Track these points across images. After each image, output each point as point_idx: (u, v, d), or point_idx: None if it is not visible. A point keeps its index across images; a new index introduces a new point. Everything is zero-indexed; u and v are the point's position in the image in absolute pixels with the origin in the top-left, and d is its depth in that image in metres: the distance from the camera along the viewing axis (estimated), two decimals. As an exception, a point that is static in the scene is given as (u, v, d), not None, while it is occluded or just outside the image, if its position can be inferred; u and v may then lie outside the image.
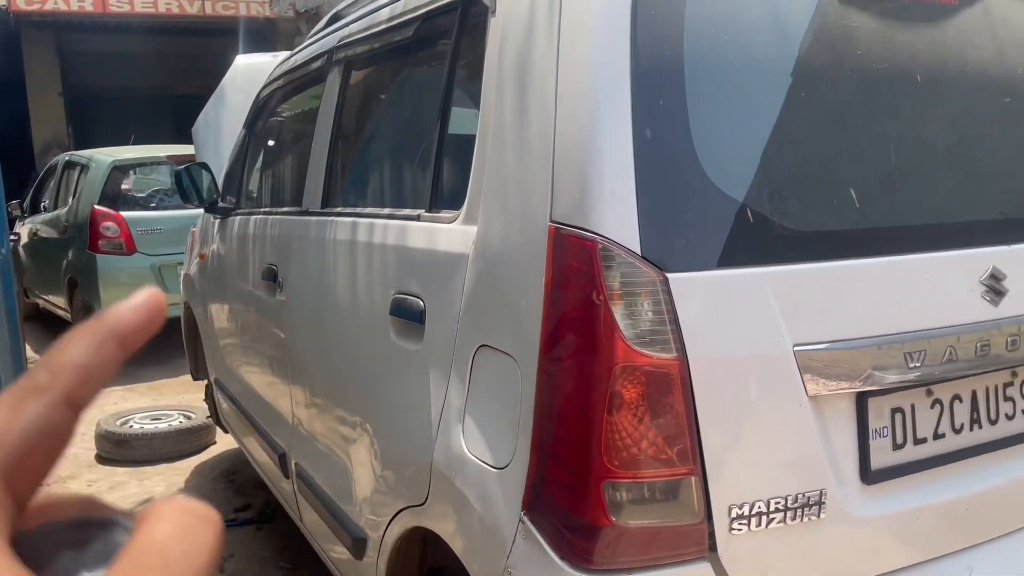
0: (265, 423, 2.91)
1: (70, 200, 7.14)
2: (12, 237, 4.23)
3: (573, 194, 1.35)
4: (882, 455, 1.48)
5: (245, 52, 5.32)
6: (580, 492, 1.32)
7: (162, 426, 4.72)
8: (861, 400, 1.46)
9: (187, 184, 3.33)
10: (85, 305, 6.65)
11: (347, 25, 2.44)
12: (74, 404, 0.33)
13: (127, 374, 6.53)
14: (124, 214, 6.64)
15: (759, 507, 1.36)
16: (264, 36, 12.75)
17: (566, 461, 1.35)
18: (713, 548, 1.35)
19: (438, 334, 1.69)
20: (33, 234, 7.91)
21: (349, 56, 2.34)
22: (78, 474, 4.42)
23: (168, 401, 5.63)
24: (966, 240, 1.56)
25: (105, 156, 7.00)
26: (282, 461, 2.67)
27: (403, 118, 2.19)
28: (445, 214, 1.74)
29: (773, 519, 1.37)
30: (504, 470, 1.45)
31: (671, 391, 1.31)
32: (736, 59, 1.43)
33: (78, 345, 0.34)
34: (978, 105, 1.66)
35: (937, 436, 1.55)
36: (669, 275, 1.31)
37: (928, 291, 1.50)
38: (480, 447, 1.53)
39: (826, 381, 1.40)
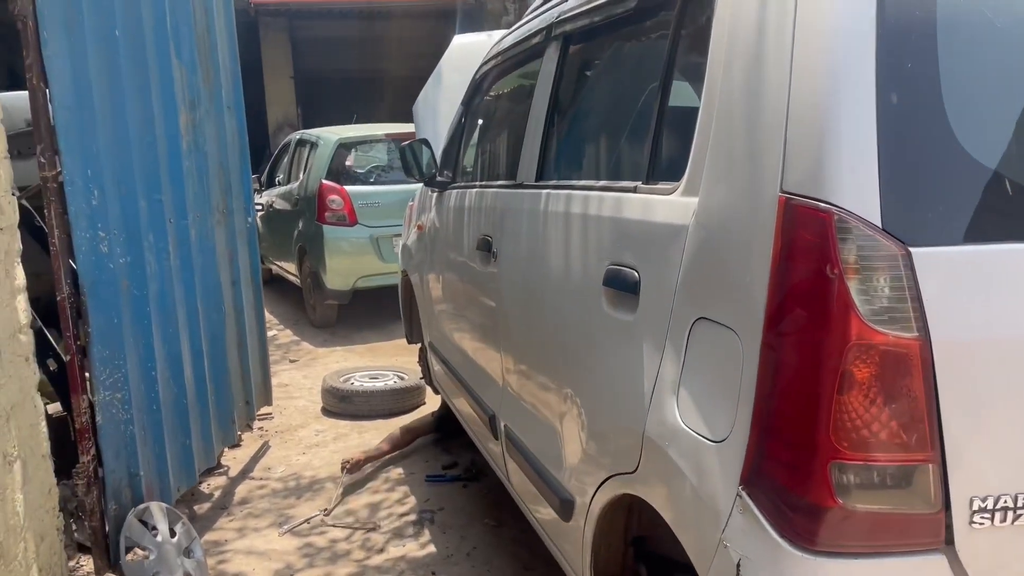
0: (476, 386, 3.06)
1: (301, 175, 7.79)
2: (257, 207, 4.67)
3: (808, 163, 1.30)
4: None
5: (460, 32, 5.53)
6: (804, 471, 1.29)
7: (379, 385, 5.08)
8: None
9: (410, 159, 3.54)
10: (312, 271, 7.25)
11: (566, 1, 2.47)
12: None
13: (348, 337, 7.06)
14: (347, 188, 7.14)
15: (1005, 501, 1.26)
16: (473, 17, 13.17)
17: (789, 439, 1.32)
18: (950, 541, 1.27)
19: (653, 305, 1.69)
20: (269, 206, 8.71)
21: (568, 31, 2.38)
22: (307, 424, 4.86)
23: (383, 362, 6.03)
24: None
25: (331, 135, 7.55)
26: (492, 422, 2.79)
27: (621, 91, 2.20)
28: (663, 185, 1.73)
29: (1022, 515, 1.27)
30: (722, 443, 1.44)
31: (910, 373, 1.24)
32: (996, 13, 1.30)
33: None
34: None
35: None
36: (913, 250, 1.24)
37: None
38: (696, 419, 1.53)
39: (1094, 371, 1.26)
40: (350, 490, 3.88)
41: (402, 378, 5.17)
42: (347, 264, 7.02)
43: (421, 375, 4.71)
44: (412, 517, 3.56)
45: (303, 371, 6.07)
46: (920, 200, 1.26)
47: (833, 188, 1.26)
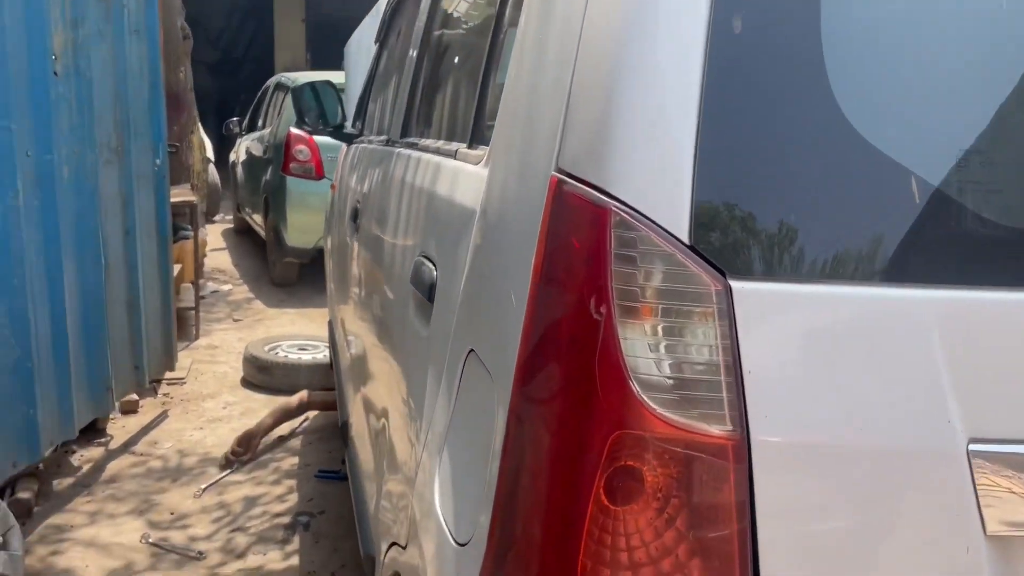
0: (342, 382, 2.58)
1: (274, 121, 7.29)
2: (170, 149, 4.20)
3: (589, 129, 0.79)
4: None
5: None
6: (543, 624, 0.80)
7: (305, 357, 4.61)
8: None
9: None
10: (274, 226, 6.78)
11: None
12: None
13: (306, 299, 6.60)
14: (316, 139, 6.62)
15: None
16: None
17: (530, 562, 0.82)
18: None
19: (441, 320, 1.20)
20: (246, 152, 8.22)
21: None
22: (219, 394, 4.41)
23: (326, 332, 5.58)
24: None
25: (306, 79, 7.02)
26: (344, 429, 2.32)
27: (470, 39, 1.68)
28: (479, 151, 1.22)
29: None
30: (464, 548, 0.95)
31: (717, 487, 0.74)
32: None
33: None
34: None
35: None
36: (734, 284, 0.73)
37: None
38: (448, 506, 1.03)
39: (1028, 515, 0.75)
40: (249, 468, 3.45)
41: (334, 351, 4.71)
42: (310, 220, 6.48)
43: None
44: (286, 520, 3.11)
45: (242, 332, 5.62)
46: (762, 204, 0.74)
47: (617, 170, 0.75)
